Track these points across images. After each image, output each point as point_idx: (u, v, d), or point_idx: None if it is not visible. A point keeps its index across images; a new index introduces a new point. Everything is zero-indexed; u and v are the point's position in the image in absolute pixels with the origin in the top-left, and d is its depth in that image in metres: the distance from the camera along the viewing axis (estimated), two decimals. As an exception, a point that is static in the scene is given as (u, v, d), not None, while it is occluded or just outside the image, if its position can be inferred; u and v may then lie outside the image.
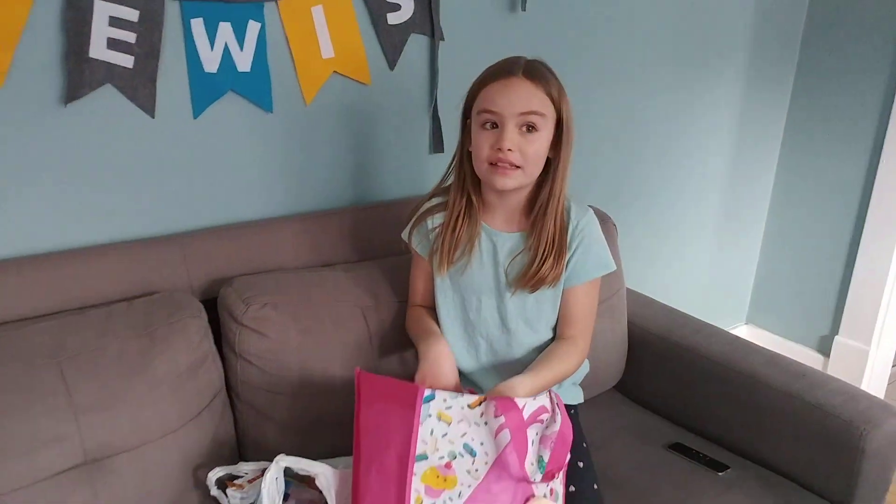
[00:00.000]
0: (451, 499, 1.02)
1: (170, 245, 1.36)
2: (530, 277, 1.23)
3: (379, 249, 1.54)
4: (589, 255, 1.27)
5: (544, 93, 1.17)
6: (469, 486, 1.02)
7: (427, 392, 1.04)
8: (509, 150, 1.15)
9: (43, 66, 1.22)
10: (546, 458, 1.06)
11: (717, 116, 2.31)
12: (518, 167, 1.17)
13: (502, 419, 1.03)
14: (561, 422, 1.08)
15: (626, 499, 1.31)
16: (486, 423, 1.04)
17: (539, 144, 1.18)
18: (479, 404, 1.05)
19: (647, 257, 2.30)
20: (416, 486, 1.01)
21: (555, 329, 1.32)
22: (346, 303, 1.36)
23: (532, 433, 1.06)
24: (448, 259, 1.27)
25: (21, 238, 1.28)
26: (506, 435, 1.03)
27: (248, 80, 1.43)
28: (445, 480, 1.02)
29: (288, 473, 1.19)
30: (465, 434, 1.04)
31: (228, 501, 1.18)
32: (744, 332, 2.74)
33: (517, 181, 1.19)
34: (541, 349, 1.30)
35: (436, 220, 1.30)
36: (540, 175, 1.23)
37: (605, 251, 1.29)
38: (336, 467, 1.12)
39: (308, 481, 1.23)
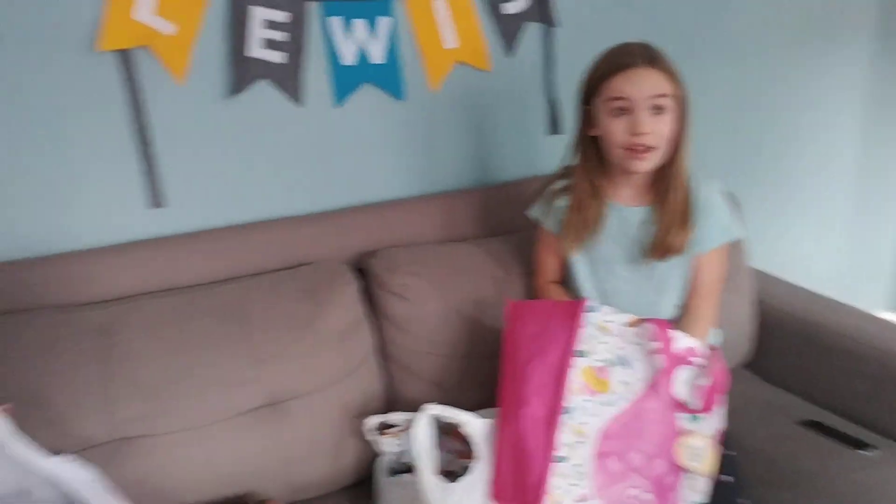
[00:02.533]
0: (604, 403, 1.13)
1: (323, 221, 1.52)
2: (659, 247, 1.31)
3: (503, 226, 1.65)
4: (714, 224, 1.33)
5: (666, 74, 1.25)
6: (626, 400, 1.13)
7: (590, 304, 1.17)
8: (645, 133, 1.23)
9: (212, 65, 1.40)
10: (697, 404, 1.16)
11: (843, 93, 2.27)
12: (652, 148, 1.25)
13: (656, 344, 1.13)
14: (717, 369, 1.16)
15: (759, 467, 1.34)
16: (640, 344, 1.15)
17: (668, 124, 1.26)
18: (636, 325, 1.17)
19: (776, 239, 2.29)
20: (574, 378, 1.13)
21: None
22: (480, 273, 1.47)
23: (683, 374, 1.15)
24: (578, 239, 1.35)
25: (201, 215, 1.47)
26: (659, 359, 1.13)
27: (382, 70, 1.56)
28: (600, 383, 1.13)
29: (435, 425, 1.32)
30: (621, 348, 1.15)
31: (384, 448, 1.31)
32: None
33: (652, 163, 1.27)
34: (670, 315, 1.37)
35: (562, 201, 1.38)
36: None
37: (730, 220, 1.35)
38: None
39: (453, 433, 1.35)
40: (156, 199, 1.39)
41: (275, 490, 1.26)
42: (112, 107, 1.34)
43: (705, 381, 1.16)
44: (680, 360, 1.15)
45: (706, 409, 1.15)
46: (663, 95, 1.23)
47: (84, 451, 1.15)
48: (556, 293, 1.44)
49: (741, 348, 1.69)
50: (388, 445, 1.30)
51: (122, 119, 1.35)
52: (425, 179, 1.69)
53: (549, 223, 1.41)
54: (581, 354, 1.15)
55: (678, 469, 1.14)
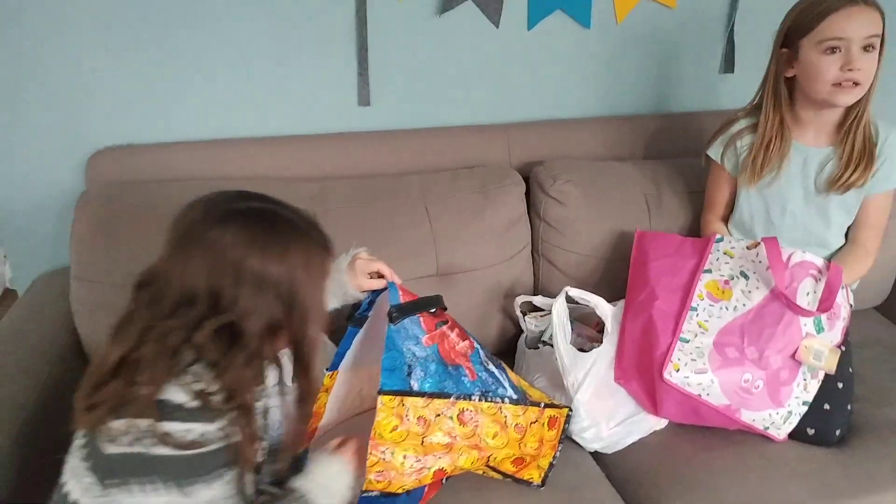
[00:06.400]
0: (725, 308, 1.33)
1: (497, 132, 1.75)
2: (840, 184, 1.40)
3: (667, 152, 1.80)
4: (893, 167, 1.41)
5: (879, 14, 1.31)
6: (744, 305, 1.32)
7: (718, 235, 1.39)
8: (858, 69, 1.30)
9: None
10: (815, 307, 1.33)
11: None
12: (859, 84, 1.32)
13: (772, 260, 1.31)
14: (833, 278, 1.32)
15: (872, 393, 1.47)
16: (760, 262, 1.34)
17: (875, 61, 1.32)
18: (755, 247, 1.37)
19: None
20: (700, 289, 1.35)
21: (846, 234, 1.50)
22: (633, 188, 1.65)
23: (803, 284, 1.33)
24: (758, 175, 1.45)
25: (397, 117, 1.73)
26: (775, 273, 1.30)
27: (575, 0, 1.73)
28: (723, 293, 1.34)
29: (573, 315, 1.53)
30: (742, 265, 1.35)
31: (526, 325, 1.56)
32: None
33: (856, 96, 1.34)
34: (833, 248, 1.49)
35: (745, 141, 1.48)
36: None
37: None
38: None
39: (590, 324, 1.56)
40: (364, 98, 1.67)
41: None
42: (344, 15, 1.60)
43: (822, 289, 1.32)
44: (801, 273, 1.33)
45: (823, 310, 1.31)
46: (876, 35, 1.30)
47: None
48: (721, 231, 1.54)
49: (876, 289, 1.78)
50: (530, 324, 1.56)
51: (350, 28, 1.61)
52: (604, 103, 1.86)
53: (728, 161, 1.51)
54: (707, 271, 1.36)
55: (795, 369, 1.31)
